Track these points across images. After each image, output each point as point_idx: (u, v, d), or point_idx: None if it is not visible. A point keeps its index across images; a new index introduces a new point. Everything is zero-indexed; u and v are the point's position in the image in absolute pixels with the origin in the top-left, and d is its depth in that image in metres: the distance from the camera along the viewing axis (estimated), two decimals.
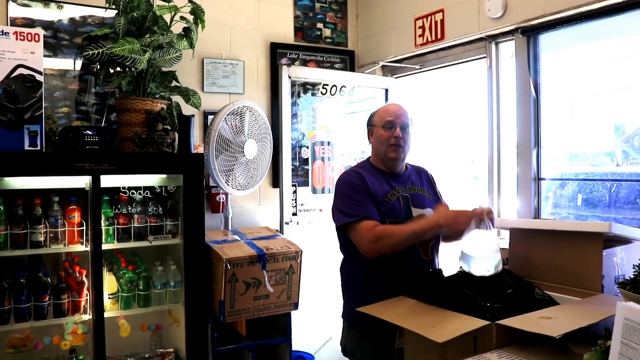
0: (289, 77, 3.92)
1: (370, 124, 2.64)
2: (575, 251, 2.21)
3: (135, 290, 3.20)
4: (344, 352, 2.60)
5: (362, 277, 2.48)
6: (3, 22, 3.31)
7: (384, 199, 2.46)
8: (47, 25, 3.43)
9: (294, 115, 4.08)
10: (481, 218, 2.23)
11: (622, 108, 3.09)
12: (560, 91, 3.31)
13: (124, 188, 3.26)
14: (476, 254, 2.24)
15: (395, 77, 4.39)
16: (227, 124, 3.53)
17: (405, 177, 2.59)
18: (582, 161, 3.32)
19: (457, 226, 2.25)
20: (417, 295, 2.21)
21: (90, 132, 3.10)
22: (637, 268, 1.81)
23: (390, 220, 2.41)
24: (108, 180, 3.05)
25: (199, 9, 3.41)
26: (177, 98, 3.52)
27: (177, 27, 3.42)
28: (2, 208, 2.89)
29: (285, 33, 4.33)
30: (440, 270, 2.26)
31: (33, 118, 2.90)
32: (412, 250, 2.41)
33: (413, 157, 3.91)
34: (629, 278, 1.84)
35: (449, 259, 2.63)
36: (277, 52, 4.25)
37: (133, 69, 3.21)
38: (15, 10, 3.35)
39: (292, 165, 4.00)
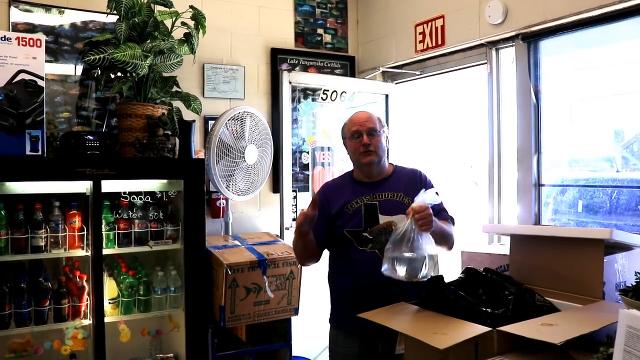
0: (290, 83, 3.92)
1: (342, 137, 2.68)
2: (577, 258, 2.21)
3: (136, 295, 3.20)
4: (330, 351, 2.65)
5: (331, 282, 2.63)
6: (5, 27, 3.31)
7: (344, 209, 2.51)
8: (48, 30, 3.44)
9: (295, 121, 4.09)
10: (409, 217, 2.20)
11: (621, 114, 3.10)
12: (560, 97, 3.31)
13: (124, 193, 3.26)
14: (393, 256, 2.19)
15: (396, 83, 4.40)
16: (227, 129, 3.54)
17: (380, 184, 2.56)
18: (582, 167, 3.32)
19: (299, 226, 2.38)
20: (418, 301, 2.22)
21: (91, 137, 3.11)
22: (638, 275, 1.81)
23: (349, 230, 2.48)
24: (109, 185, 3.06)
25: (200, 15, 3.42)
26: (177, 103, 3.52)
27: (178, 33, 3.42)
28: (3, 213, 2.89)
29: (286, 38, 4.34)
30: (441, 277, 2.25)
31: (34, 123, 2.90)
32: (372, 257, 2.42)
33: (412, 160, 3.94)
34: (630, 285, 1.84)
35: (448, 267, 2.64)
36: (277, 58, 4.26)
37: (134, 74, 3.22)
38: (17, 16, 3.36)
39: (293, 170, 4.00)
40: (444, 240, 2.42)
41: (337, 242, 2.52)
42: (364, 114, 2.60)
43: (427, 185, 2.59)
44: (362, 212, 2.49)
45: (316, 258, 2.59)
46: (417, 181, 2.59)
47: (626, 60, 3.03)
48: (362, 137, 2.52)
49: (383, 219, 2.46)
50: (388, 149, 2.64)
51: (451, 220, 2.57)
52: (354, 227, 2.47)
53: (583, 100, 3.32)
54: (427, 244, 2.18)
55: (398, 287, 2.35)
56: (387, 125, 4.06)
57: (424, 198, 2.23)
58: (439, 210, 2.50)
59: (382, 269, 2.22)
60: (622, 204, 3.00)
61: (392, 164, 2.69)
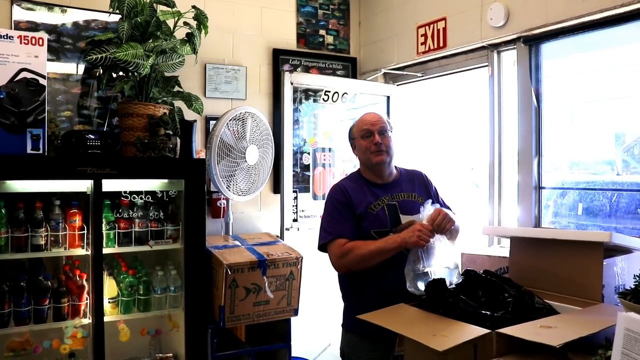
0: (291, 84, 3.93)
1: (351, 137, 2.68)
2: (576, 260, 2.21)
3: (136, 294, 3.20)
4: (342, 356, 2.63)
5: (354, 285, 2.55)
6: (7, 25, 3.32)
7: (368, 210, 2.50)
8: (50, 29, 3.44)
9: (296, 122, 4.09)
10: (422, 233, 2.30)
11: (622, 117, 3.10)
12: (561, 100, 3.32)
13: (125, 192, 3.26)
14: (418, 270, 2.29)
15: (397, 85, 4.40)
16: (229, 129, 3.54)
17: (394, 184, 2.59)
18: (582, 170, 3.32)
19: (419, 241, 2.28)
20: (417, 303, 2.22)
21: (92, 137, 3.11)
22: (637, 278, 1.80)
23: (375, 231, 2.46)
24: (110, 185, 3.06)
25: (203, 15, 3.42)
26: (179, 103, 3.52)
27: (180, 33, 3.43)
28: (3, 211, 2.90)
29: (288, 39, 4.35)
30: (442, 279, 2.26)
31: (36, 122, 2.91)
32: (400, 257, 2.41)
33: (413, 162, 3.93)
34: (629, 288, 1.84)
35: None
36: (279, 59, 4.26)
37: (136, 74, 3.22)
38: (19, 14, 3.36)
39: (293, 171, 4.00)
40: (456, 234, 2.51)
41: (362, 240, 2.48)
42: (374, 115, 2.62)
43: (431, 185, 2.70)
44: (386, 212, 2.50)
45: None
46: (424, 182, 2.69)
47: (627, 63, 3.03)
48: (373, 136, 2.53)
49: (404, 219, 2.49)
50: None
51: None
52: (380, 228, 2.47)
53: (584, 104, 3.32)
54: (450, 254, 2.34)
55: None
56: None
57: (429, 210, 2.38)
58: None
59: (414, 290, 2.27)
60: (622, 207, 3.00)
61: (395, 167, 2.71)
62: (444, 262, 2.32)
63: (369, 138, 2.54)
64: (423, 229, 2.29)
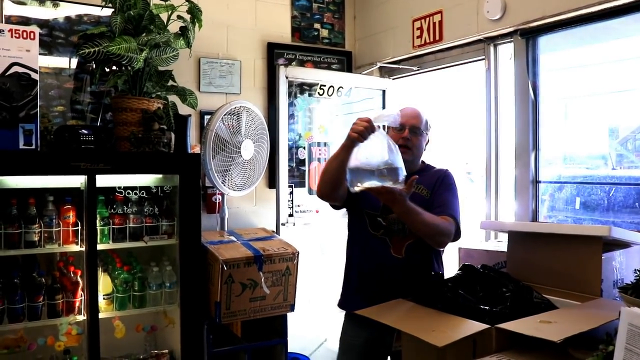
0: (286, 78, 3.90)
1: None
2: (575, 255, 2.20)
3: (131, 290, 3.18)
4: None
5: (347, 262, 2.65)
6: None
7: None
8: (42, 23, 3.40)
9: (291, 116, 4.07)
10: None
11: (616, 111, 3.10)
12: (557, 93, 3.30)
13: (119, 188, 3.23)
14: (356, 166, 2.17)
15: (393, 79, 4.38)
16: (224, 124, 3.51)
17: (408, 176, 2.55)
18: (577, 164, 3.32)
19: (352, 134, 2.19)
20: (415, 298, 2.21)
21: (85, 132, 3.07)
22: (637, 272, 1.80)
23: (367, 211, 2.49)
24: (103, 180, 3.03)
25: (196, 8, 3.38)
26: (173, 98, 3.49)
27: (174, 26, 3.39)
28: None
29: (283, 33, 4.32)
30: (440, 274, 2.24)
31: (28, 117, 2.87)
32: (381, 245, 2.45)
33: None
34: (628, 283, 1.83)
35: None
36: (274, 52, 4.23)
37: (129, 68, 3.18)
38: (10, 9, 3.32)
39: (289, 166, 3.98)
40: (423, 227, 2.33)
41: (354, 218, 2.54)
42: (413, 111, 2.60)
43: (443, 183, 2.54)
44: None
45: (338, 192, 2.41)
46: (438, 177, 2.56)
47: (623, 57, 3.03)
48: (403, 130, 2.51)
49: None
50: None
51: (453, 219, 2.42)
52: (371, 210, 2.48)
53: (579, 98, 3.32)
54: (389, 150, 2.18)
55: (405, 275, 2.37)
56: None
57: (382, 113, 2.30)
58: (440, 205, 2.46)
59: (350, 185, 2.20)
60: (619, 201, 3.00)
61: (423, 162, 2.67)
62: (382, 156, 2.14)
63: (400, 131, 2.52)
64: (358, 121, 2.20)
